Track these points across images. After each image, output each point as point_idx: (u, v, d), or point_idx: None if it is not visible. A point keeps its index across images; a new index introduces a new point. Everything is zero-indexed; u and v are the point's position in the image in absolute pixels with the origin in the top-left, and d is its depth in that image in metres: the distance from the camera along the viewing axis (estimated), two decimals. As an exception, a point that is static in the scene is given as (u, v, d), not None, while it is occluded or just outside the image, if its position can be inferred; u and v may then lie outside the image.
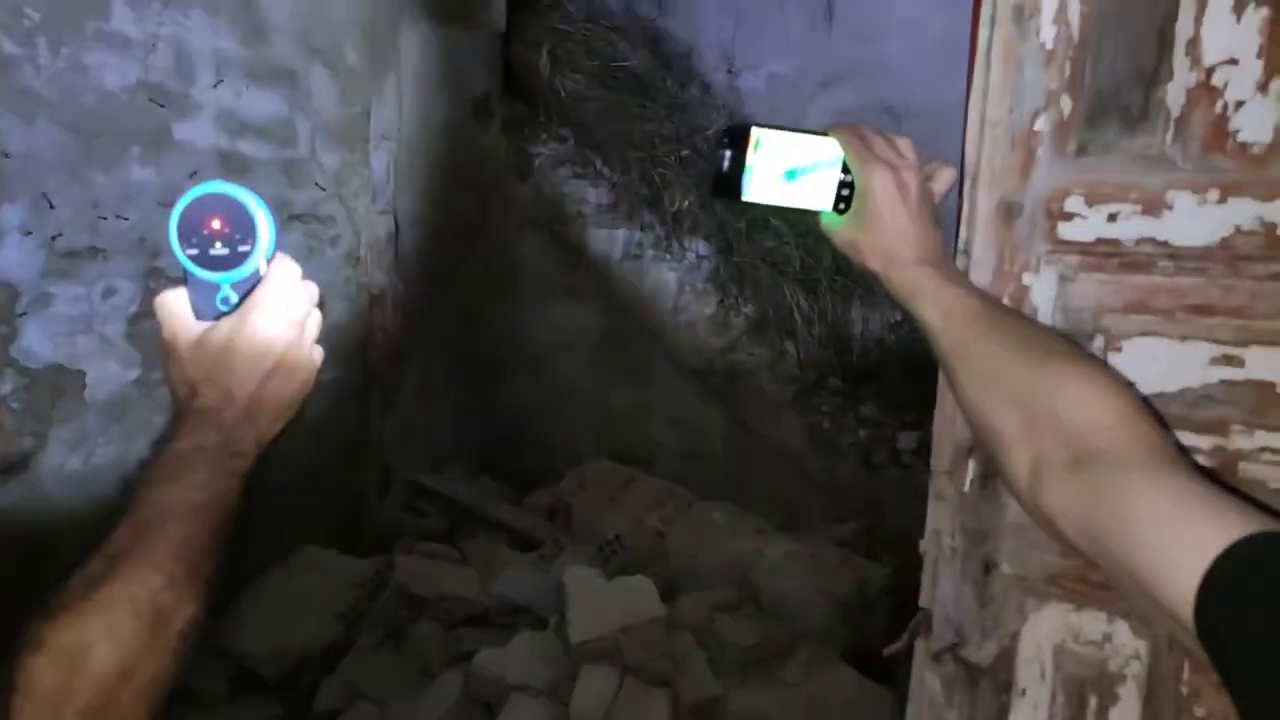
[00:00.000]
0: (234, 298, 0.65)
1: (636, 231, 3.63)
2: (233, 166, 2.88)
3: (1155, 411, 0.62)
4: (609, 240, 3.68)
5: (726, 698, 2.15)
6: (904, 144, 0.77)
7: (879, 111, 3.70)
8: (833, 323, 3.26)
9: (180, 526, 0.57)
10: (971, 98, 0.78)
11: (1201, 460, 0.69)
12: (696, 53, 4.13)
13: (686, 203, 3.54)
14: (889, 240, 0.72)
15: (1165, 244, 0.68)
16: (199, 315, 0.65)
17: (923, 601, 0.85)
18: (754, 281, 3.41)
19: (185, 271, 0.64)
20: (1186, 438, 0.69)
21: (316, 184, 3.19)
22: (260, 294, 0.64)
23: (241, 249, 0.63)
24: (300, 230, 3.12)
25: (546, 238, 3.74)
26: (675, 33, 4.14)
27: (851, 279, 3.18)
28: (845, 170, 0.75)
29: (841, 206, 0.76)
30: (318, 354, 0.68)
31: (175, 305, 0.65)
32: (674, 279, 3.59)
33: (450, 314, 3.62)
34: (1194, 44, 0.66)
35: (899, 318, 3.24)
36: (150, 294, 2.69)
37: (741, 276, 3.43)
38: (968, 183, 0.78)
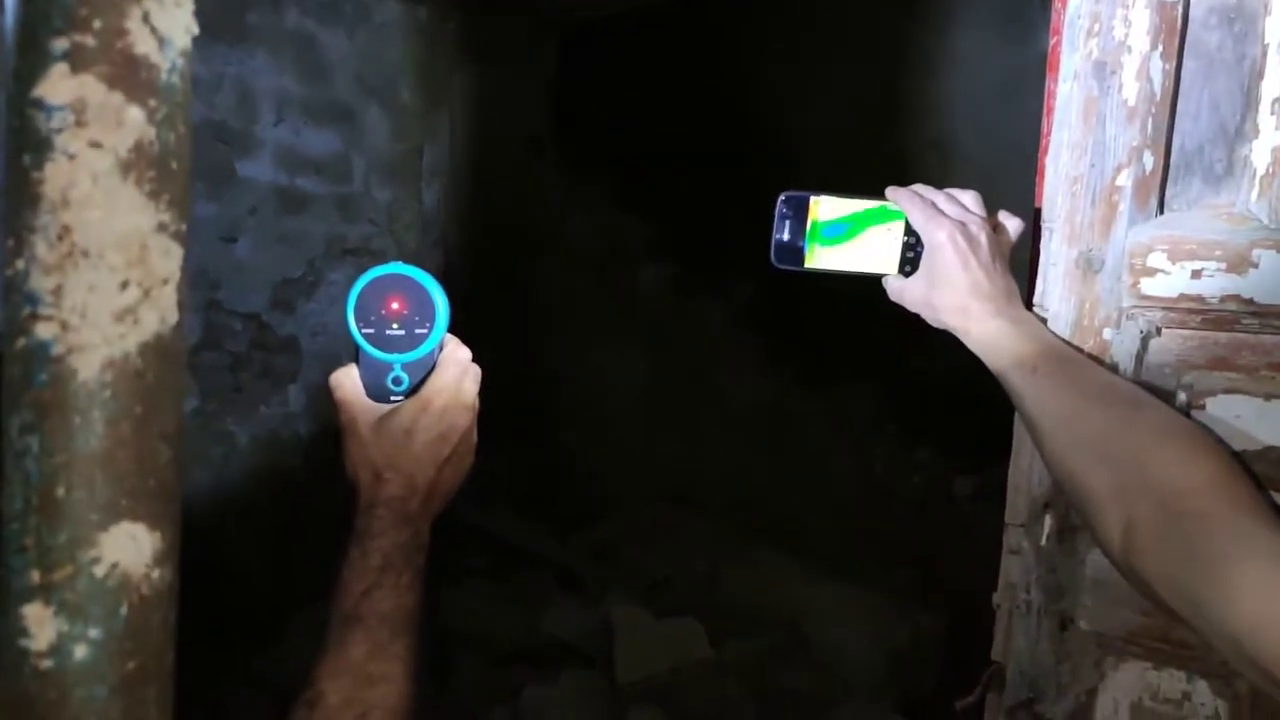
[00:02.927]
0: (405, 379, 0.65)
1: (683, 268, 3.66)
2: (290, 202, 2.97)
3: (1250, 470, 0.62)
4: (658, 278, 3.71)
5: (775, 745, 2.12)
6: (969, 197, 0.77)
7: (925, 149, 3.70)
8: (886, 363, 3.24)
9: (406, 639, 0.61)
10: (1049, 151, 0.78)
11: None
12: (747, 89, 4.17)
13: (735, 241, 3.57)
14: (964, 296, 0.72)
15: (1250, 301, 0.68)
16: (369, 394, 0.66)
17: (995, 655, 0.84)
18: (805, 321, 3.41)
19: (358, 349, 0.65)
20: (1272, 498, 0.68)
21: (370, 219, 3.28)
22: (439, 380, 0.65)
23: (418, 331, 0.64)
24: (353, 264, 3.20)
25: (595, 275, 3.79)
26: (725, 70, 4.20)
27: (906, 321, 3.16)
28: (908, 231, 0.76)
29: (908, 269, 0.76)
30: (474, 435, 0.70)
31: (353, 387, 0.66)
32: (723, 318, 3.60)
33: (498, 349, 3.66)
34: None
35: (955, 360, 3.20)
36: (209, 327, 2.77)
37: (792, 316, 3.43)
38: (1045, 236, 0.78)
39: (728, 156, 3.90)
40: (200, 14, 0.30)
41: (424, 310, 0.64)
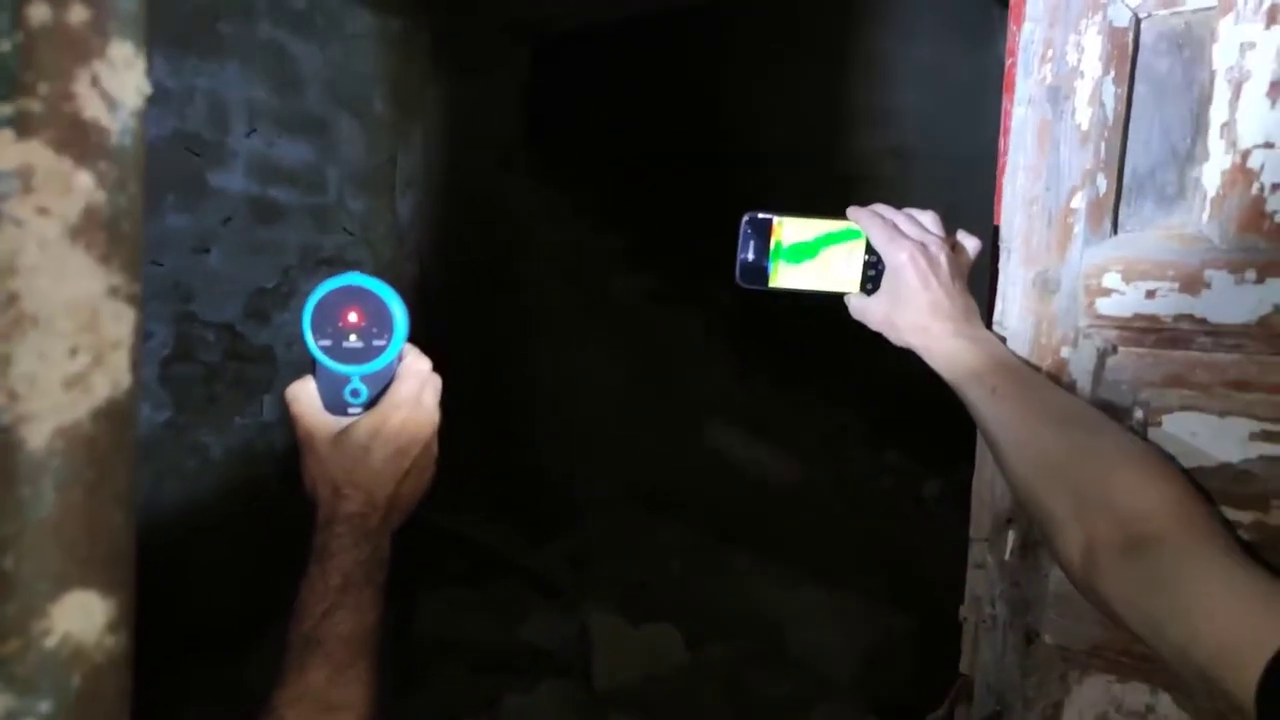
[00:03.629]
0: (363, 390, 0.64)
1: (658, 277, 3.67)
2: (263, 212, 2.95)
3: (1207, 494, 0.63)
4: (631, 286, 3.72)
5: (752, 750, 2.13)
6: (928, 218, 0.78)
7: (887, 155, 3.74)
8: (857, 368, 3.27)
9: (366, 659, 0.60)
10: (1006, 173, 0.80)
11: (1242, 534, 0.69)
12: (714, 97, 4.19)
13: (709, 249, 3.58)
14: (924, 316, 0.73)
15: (1203, 321, 0.69)
16: (326, 407, 0.64)
17: (963, 668, 0.85)
18: (778, 326, 3.43)
19: (315, 362, 0.63)
20: (1227, 512, 0.70)
21: (344, 229, 3.26)
22: (398, 393, 0.64)
23: (376, 343, 0.63)
24: (328, 274, 3.17)
25: (570, 283, 3.78)
26: (691, 77, 4.21)
27: (873, 331, 3.19)
28: (869, 251, 0.77)
29: (869, 287, 0.78)
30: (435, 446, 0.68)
31: (310, 400, 0.64)
32: (696, 325, 3.61)
33: (473, 357, 3.65)
34: (1228, 127, 0.67)
35: (924, 364, 3.24)
36: (182, 338, 2.74)
37: (764, 322, 3.45)
38: (1003, 256, 0.79)
39: (700, 165, 3.92)
40: (171, 26, 0.30)
41: (382, 321, 0.63)
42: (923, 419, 3.10)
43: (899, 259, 0.74)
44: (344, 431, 0.64)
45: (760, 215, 0.76)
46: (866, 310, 0.78)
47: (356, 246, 3.29)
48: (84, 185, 0.28)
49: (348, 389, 0.64)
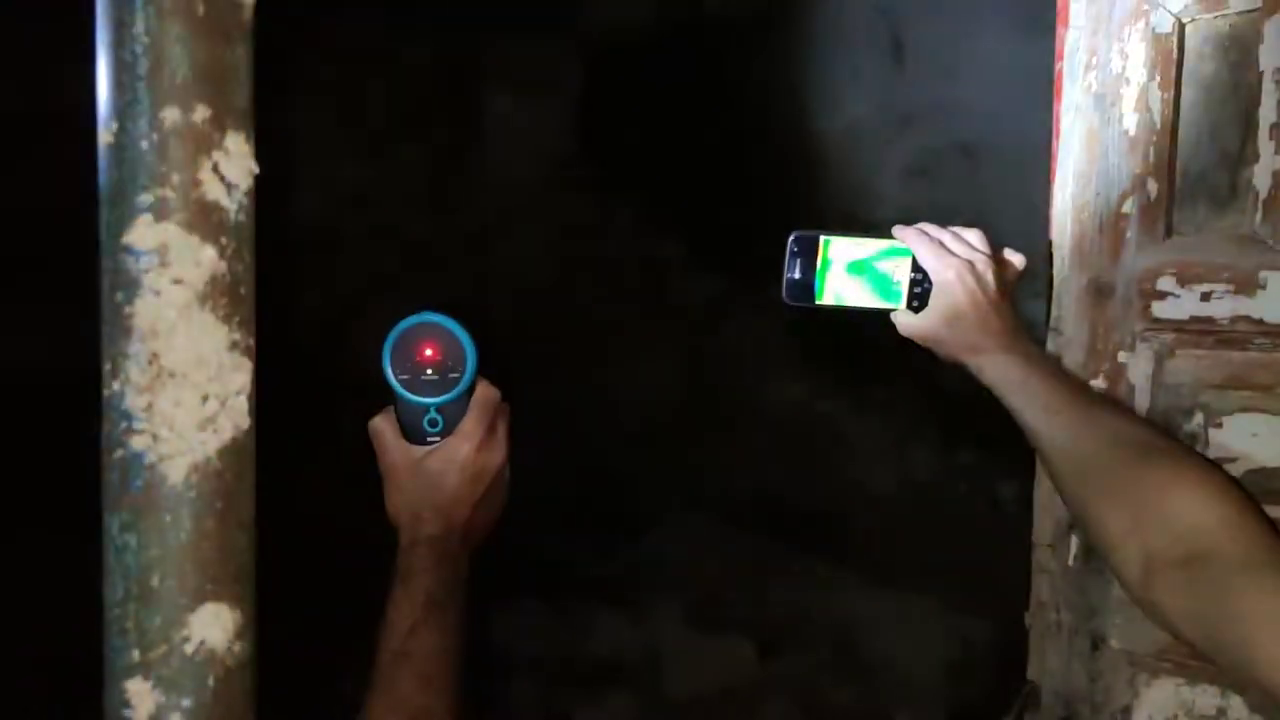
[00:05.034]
0: (440, 420, 0.69)
1: (716, 283, 3.69)
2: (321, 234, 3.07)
3: (1261, 509, 0.63)
4: (688, 293, 3.75)
5: (827, 759, 2.12)
6: (974, 235, 0.78)
7: (957, 153, 3.69)
8: (924, 369, 3.23)
9: (453, 674, 0.64)
10: (1056, 180, 0.80)
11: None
12: (771, 100, 4.20)
13: (767, 252, 3.59)
14: (973, 334, 0.74)
15: (1260, 321, 0.69)
16: (407, 436, 0.70)
17: (1030, 674, 0.86)
18: (839, 329, 3.41)
19: (395, 395, 0.69)
20: (1292, 512, 0.69)
21: (405, 249, 3.37)
22: (472, 421, 0.69)
23: (451, 375, 0.69)
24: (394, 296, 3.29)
25: (626, 292, 3.83)
26: (746, 82, 4.23)
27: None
28: (915, 268, 0.78)
29: (915, 304, 0.79)
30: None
31: (391, 432, 0.70)
32: (759, 328, 3.62)
33: (533, 369, 3.73)
34: (1278, 128, 0.67)
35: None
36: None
37: (826, 324, 3.44)
38: (1057, 263, 0.80)
39: (759, 169, 3.93)
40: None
41: (455, 355, 0.69)
42: (995, 420, 3.05)
43: (947, 277, 0.75)
44: (423, 460, 0.69)
45: (807, 233, 0.78)
46: (915, 328, 0.78)
47: (420, 266, 3.40)
48: (209, 257, 0.32)
49: (426, 419, 0.69)
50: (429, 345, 0.68)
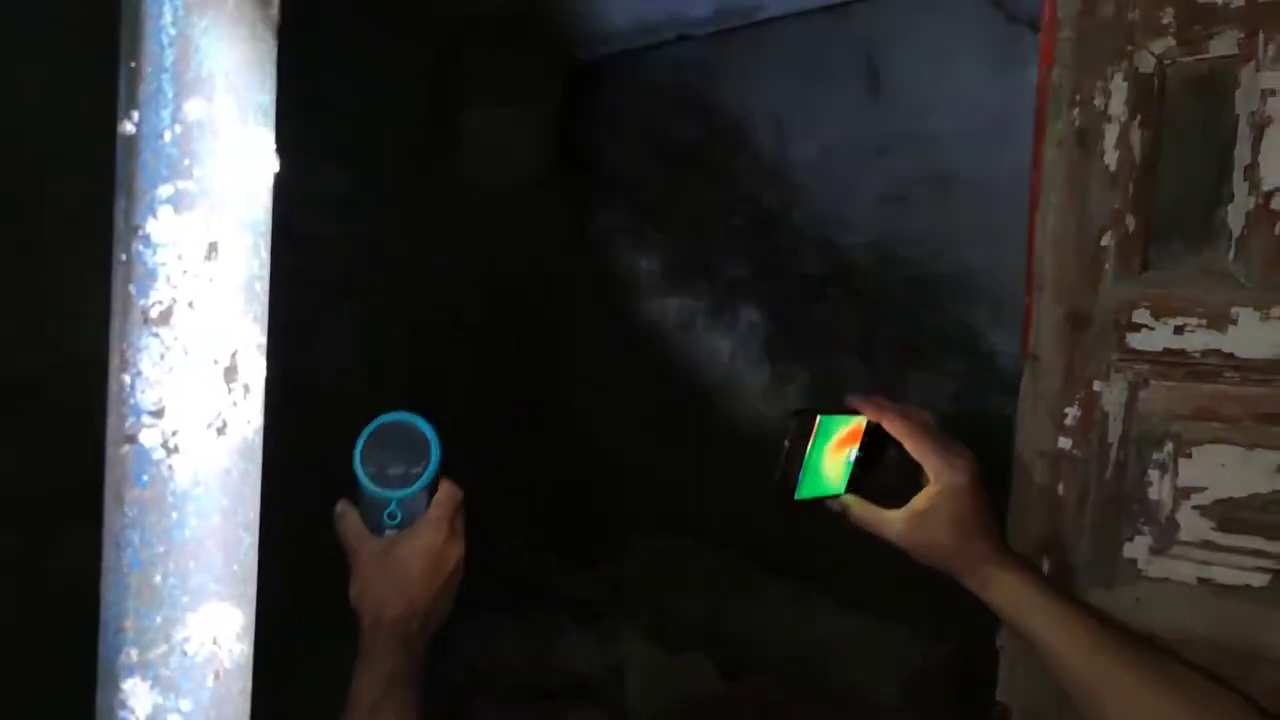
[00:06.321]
0: (399, 513, 0.73)
1: (689, 300, 3.71)
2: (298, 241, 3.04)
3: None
4: (662, 309, 3.76)
5: (788, 780, 2.12)
6: (930, 418, 0.78)
7: (931, 182, 3.75)
8: (890, 391, 3.26)
9: None
10: (1038, 212, 0.82)
11: (1269, 564, 0.71)
12: (747, 122, 4.24)
13: (739, 272, 3.62)
14: (979, 543, 0.71)
15: (1231, 356, 0.71)
16: (367, 525, 0.74)
17: (1001, 695, 0.87)
18: (808, 350, 3.44)
19: (360, 486, 0.73)
20: (1255, 542, 0.71)
21: (379, 258, 3.34)
22: (435, 513, 0.74)
23: (414, 470, 0.73)
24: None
25: (599, 307, 3.83)
26: (725, 104, 4.27)
27: (909, 348, 3.20)
28: (861, 448, 0.78)
29: (856, 488, 0.78)
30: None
31: (356, 523, 0.74)
32: (727, 348, 3.64)
33: (503, 382, 3.71)
34: (1252, 169, 0.70)
35: (958, 388, 3.24)
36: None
37: (795, 345, 3.47)
38: (1037, 292, 0.82)
39: (733, 188, 3.96)
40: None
41: (421, 452, 0.73)
42: (961, 438, 3.08)
43: (958, 481, 0.71)
44: (387, 548, 0.73)
45: (805, 409, 0.77)
46: (915, 539, 0.73)
47: (390, 274, 3.37)
48: (227, 252, 0.32)
49: (386, 511, 0.74)
50: (397, 442, 0.73)
